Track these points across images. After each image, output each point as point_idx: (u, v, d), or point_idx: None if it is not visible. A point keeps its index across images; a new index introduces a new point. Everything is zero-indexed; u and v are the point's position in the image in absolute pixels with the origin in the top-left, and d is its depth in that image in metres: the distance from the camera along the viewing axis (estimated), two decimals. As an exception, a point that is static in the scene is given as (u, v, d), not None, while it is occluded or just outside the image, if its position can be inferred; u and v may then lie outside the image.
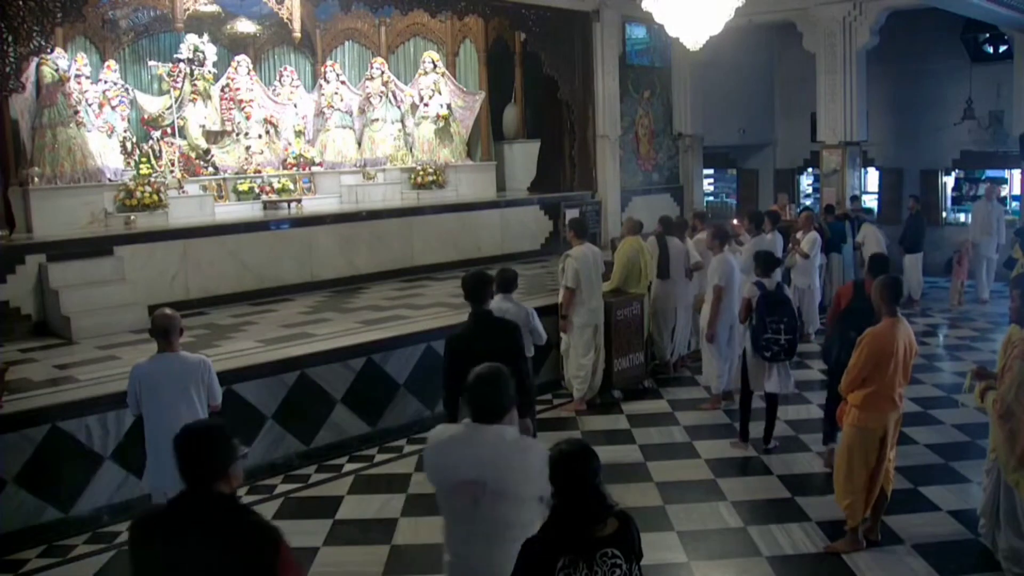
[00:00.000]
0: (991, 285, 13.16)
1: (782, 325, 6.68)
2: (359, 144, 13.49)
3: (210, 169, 11.82)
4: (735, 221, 10.62)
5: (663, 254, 8.95)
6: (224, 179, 11.81)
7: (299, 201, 11.88)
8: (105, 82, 10.98)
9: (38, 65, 9.89)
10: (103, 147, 10.59)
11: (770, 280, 6.90)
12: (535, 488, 3.08)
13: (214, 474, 2.69)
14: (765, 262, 6.96)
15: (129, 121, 11.39)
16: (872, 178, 16.61)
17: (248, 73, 12.50)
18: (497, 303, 5.74)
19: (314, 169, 12.78)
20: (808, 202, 17.26)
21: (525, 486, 3.16)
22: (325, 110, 13.26)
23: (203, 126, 12.03)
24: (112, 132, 10.84)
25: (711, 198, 18.93)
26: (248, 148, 12.24)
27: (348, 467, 7.02)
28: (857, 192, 13.57)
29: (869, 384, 5.06)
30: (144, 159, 10.96)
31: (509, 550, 2.91)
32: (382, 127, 13.49)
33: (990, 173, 15.72)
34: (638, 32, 13.97)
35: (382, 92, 13.44)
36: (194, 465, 2.68)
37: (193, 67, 11.90)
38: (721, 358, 8.03)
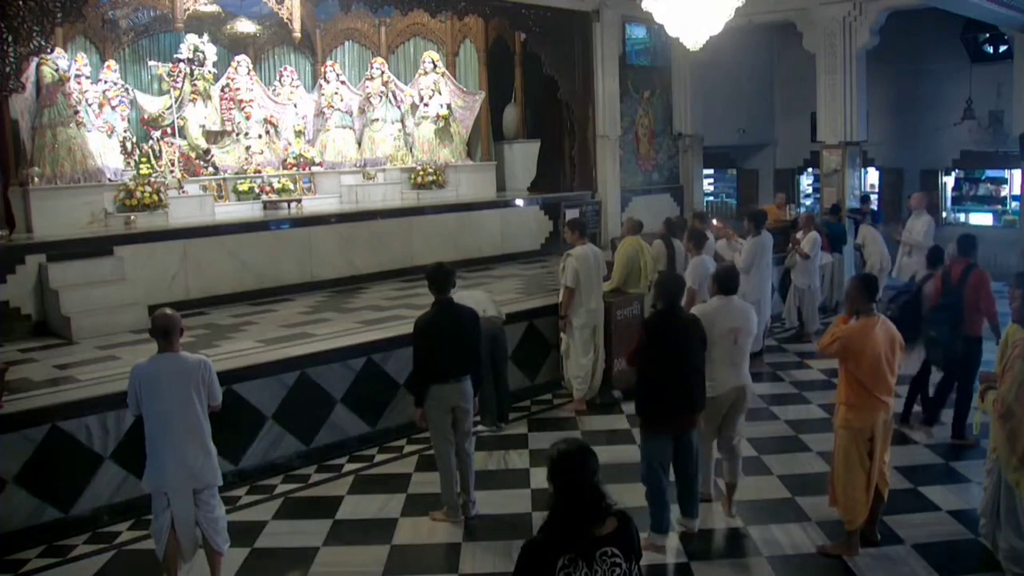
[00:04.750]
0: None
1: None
2: (359, 144, 13.49)
3: (210, 169, 11.82)
4: (743, 223, 10.58)
5: (671, 254, 8.96)
6: (224, 179, 11.81)
7: (299, 201, 11.88)
8: (105, 82, 10.99)
9: (38, 65, 9.89)
10: (103, 147, 10.59)
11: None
12: (756, 329, 5.96)
13: (680, 298, 5.50)
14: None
15: (129, 121, 11.39)
16: (872, 178, 16.62)
17: (248, 73, 12.50)
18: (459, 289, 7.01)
19: (314, 169, 12.78)
20: (808, 202, 17.29)
21: (755, 326, 5.90)
22: (325, 110, 13.26)
23: (203, 126, 12.03)
24: (112, 132, 10.85)
25: (711, 198, 18.94)
26: (248, 148, 12.23)
27: (348, 467, 7.02)
28: (857, 192, 13.53)
29: (856, 382, 5.06)
30: (144, 159, 10.95)
31: (745, 369, 5.80)
32: (382, 127, 13.48)
33: (990, 173, 15.73)
34: (638, 32, 13.96)
35: (382, 92, 13.43)
36: (676, 295, 5.45)
37: (193, 67, 11.90)
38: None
